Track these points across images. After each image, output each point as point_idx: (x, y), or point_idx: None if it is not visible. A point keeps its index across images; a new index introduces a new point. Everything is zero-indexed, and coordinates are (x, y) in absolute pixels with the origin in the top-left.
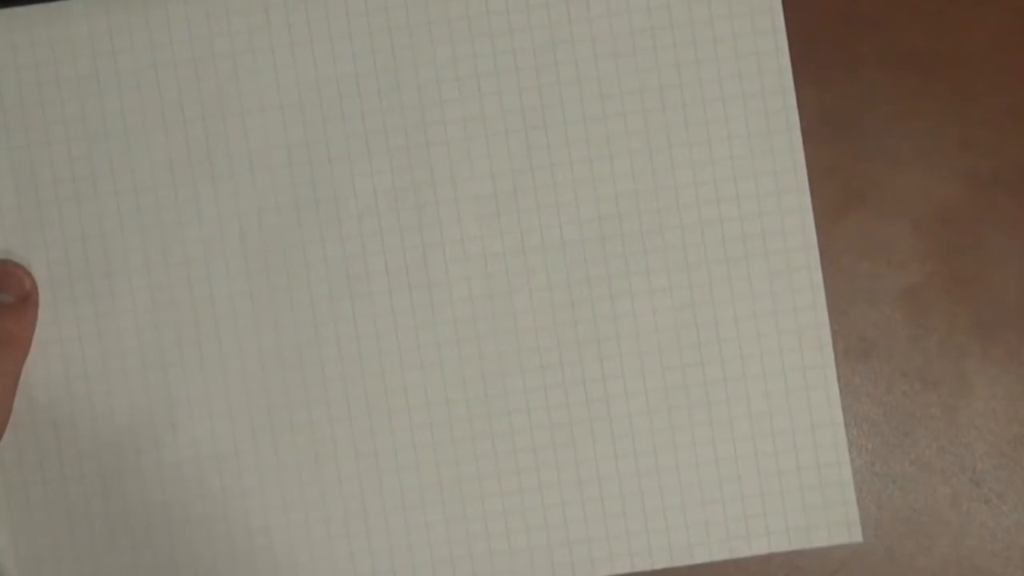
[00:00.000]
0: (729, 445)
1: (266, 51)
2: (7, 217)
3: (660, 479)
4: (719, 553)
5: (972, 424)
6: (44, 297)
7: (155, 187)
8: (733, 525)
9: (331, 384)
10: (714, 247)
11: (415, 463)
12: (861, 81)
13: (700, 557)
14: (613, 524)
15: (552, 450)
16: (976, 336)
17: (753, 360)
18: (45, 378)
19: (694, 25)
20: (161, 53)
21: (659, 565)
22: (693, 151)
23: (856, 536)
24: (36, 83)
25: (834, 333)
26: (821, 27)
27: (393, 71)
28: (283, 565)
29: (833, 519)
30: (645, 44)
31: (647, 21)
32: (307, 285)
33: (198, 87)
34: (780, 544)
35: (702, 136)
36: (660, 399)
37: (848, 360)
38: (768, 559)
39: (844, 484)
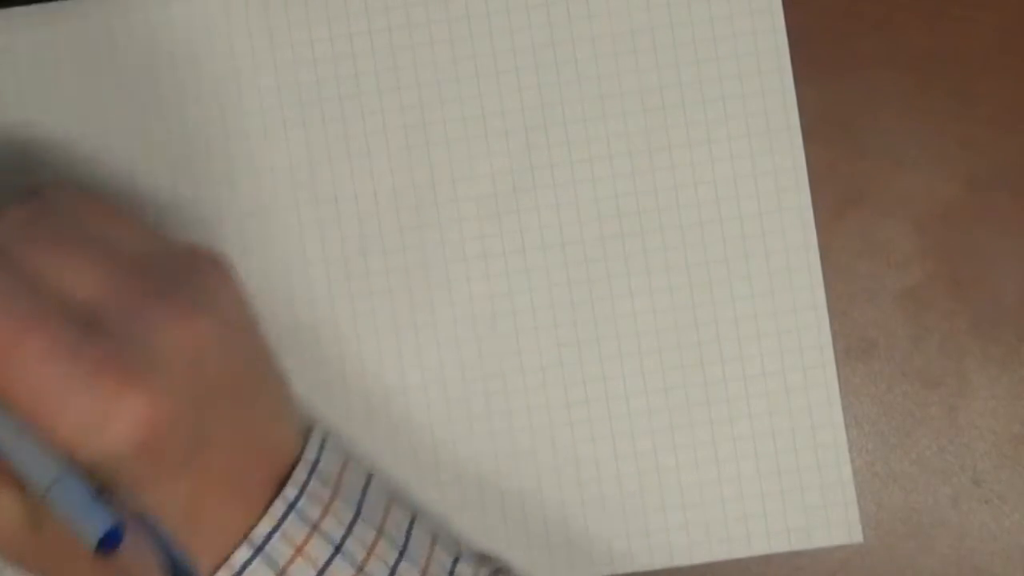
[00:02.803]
0: (729, 445)
1: (266, 51)
2: None
3: (660, 479)
4: (719, 553)
5: (972, 424)
6: None
7: (155, 188)
8: (733, 525)
9: (331, 385)
10: (714, 247)
11: (415, 464)
12: (861, 81)
13: (700, 557)
14: (613, 524)
15: (552, 451)
16: (976, 336)
17: (753, 360)
18: None
19: (694, 25)
20: (161, 53)
21: (659, 565)
22: (693, 151)
23: (856, 536)
24: (36, 83)
25: (834, 333)
26: (821, 27)
27: (393, 71)
28: None
29: (833, 519)
30: (645, 44)
31: (647, 20)
32: (307, 285)
33: (198, 87)
34: (780, 544)
35: (702, 136)
36: (660, 399)
37: (848, 360)
38: (768, 559)
39: (844, 484)
